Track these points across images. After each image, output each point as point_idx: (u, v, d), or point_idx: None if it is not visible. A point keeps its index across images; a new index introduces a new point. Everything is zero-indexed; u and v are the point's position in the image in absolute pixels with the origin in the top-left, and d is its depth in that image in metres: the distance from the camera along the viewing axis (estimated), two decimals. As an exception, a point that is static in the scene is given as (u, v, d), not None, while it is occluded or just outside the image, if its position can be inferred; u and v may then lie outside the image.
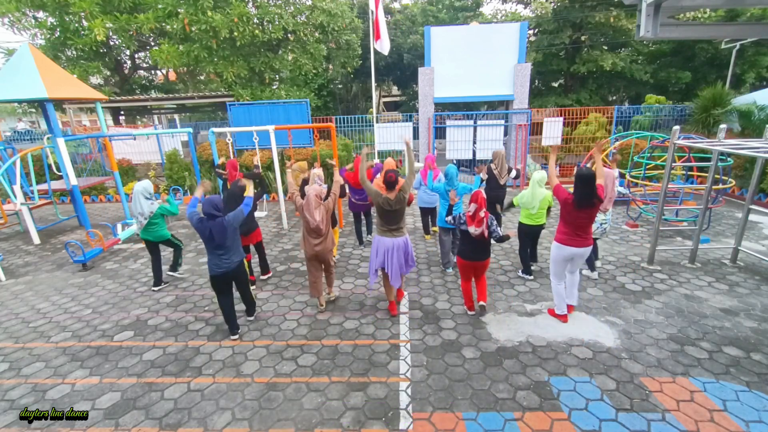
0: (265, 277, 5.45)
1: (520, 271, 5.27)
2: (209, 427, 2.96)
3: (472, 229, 3.85)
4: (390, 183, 3.99)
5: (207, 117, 21.72)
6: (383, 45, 8.63)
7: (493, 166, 6.00)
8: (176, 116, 21.26)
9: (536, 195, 4.78)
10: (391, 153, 11.52)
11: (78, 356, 3.89)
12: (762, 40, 13.60)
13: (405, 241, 4.16)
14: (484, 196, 3.93)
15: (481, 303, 4.27)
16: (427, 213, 6.61)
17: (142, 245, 7.00)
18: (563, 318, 4.14)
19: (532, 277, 5.13)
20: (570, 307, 4.22)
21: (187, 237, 7.29)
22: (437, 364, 3.55)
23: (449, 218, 4.31)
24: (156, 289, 5.26)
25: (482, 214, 3.85)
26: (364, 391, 3.25)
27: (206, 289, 5.20)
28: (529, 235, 5.11)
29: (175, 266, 5.61)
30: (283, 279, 5.44)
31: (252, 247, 5.32)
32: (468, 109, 15.97)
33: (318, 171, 5.44)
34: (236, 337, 4.05)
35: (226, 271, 3.85)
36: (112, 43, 13.28)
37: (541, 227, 5.01)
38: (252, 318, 4.40)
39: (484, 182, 6.07)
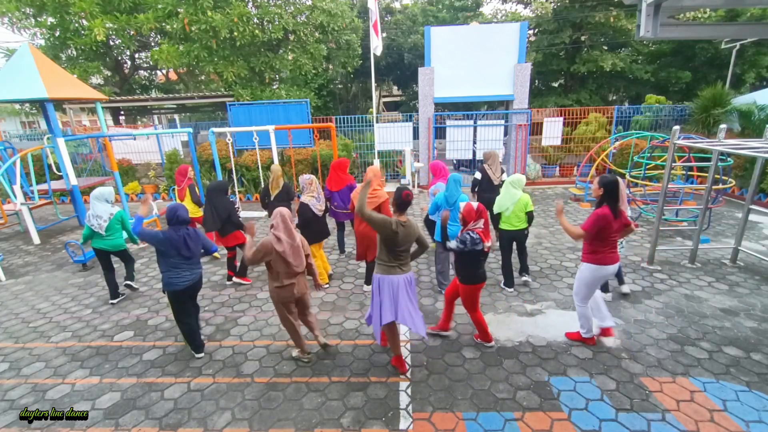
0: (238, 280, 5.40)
1: (501, 283, 4.93)
2: (209, 427, 2.96)
3: (488, 244, 3.43)
4: (405, 203, 3.30)
5: (207, 117, 21.72)
6: (376, 46, 8.77)
7: (486, 166, 5.73)
8: (176, 116, 21.28)
9: (508, 196, 4.57)
10: (391, 153, 11.54)
11: (78, 356, 3.89)
12: (762, 40, 13.59)
13: (413, 275, 3.44)
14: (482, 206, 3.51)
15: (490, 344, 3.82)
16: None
17: (142, 245, 7.01)
18: (592, 341, 3.74)
19: (512, 290, 4.82)
20: (609, 330, 3.82)
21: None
22: (437, 364, 3.54)
23: (453, 243, 3.41)
24: (115, 301, 4.95)
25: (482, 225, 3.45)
26: (364, 391, 3.25)
27: (206, 289, 5.18)
28: (510, 241, 4.76)
29: (131, 276, 5.31)
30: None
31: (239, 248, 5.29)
32: (468, 109, 15.95)
33: (309, 177, 4.93)
34: (202, 355, 3.80)
35: (192, 282, 3.63)
36: (112, 43, 13.28)
37: (521, 233, 4.69)
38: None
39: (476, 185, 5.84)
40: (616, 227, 3.40)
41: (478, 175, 5.85)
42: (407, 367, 3.52)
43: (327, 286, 5.13)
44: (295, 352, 3.71)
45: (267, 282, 5.23)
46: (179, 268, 3.55)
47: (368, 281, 5.03)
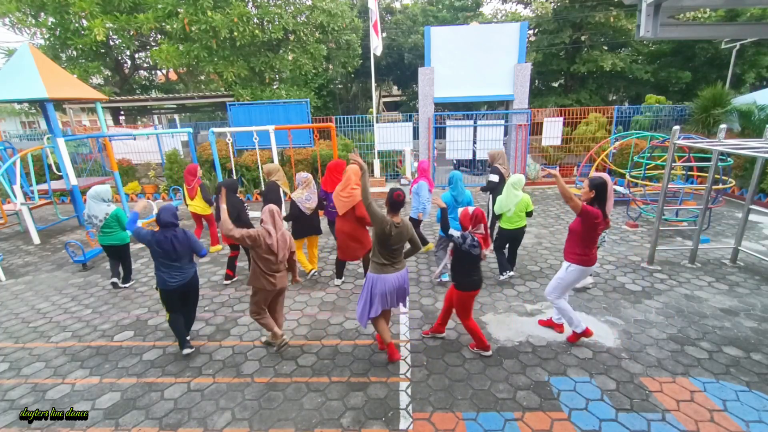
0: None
1: (502, 275, 5.02)
2: (209, 427, 2.96)
3: (486, 252, 3.41)
4: (397, 203, 3.30)
5: (207, 117, 21.74)
6: (376, 46, 8.80)
7: (498, 165, 5.61)
8: (176, 116, 21.28)
9: (511, 198, 4.64)
10: (391, 153, 11.54)
11: (78, 356, 3.89)
12: (762, 40, 13.60)
13: (407, 270, 3.55)
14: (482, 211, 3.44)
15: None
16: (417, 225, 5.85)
17: (143, 245, 7.01)
18: (589, 333, 3.72)
19: (513, 272, 5.09)
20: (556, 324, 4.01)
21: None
22: (437, 364, 3.54)
23: (456, 232, 3.39)
24: (126, 285, 5.34)
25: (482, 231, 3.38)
26: (364, 391, 3.25)
27: (206, 289, 5.19)
28: (510, 239, 4.94)
29: (127, 277, 5.44)
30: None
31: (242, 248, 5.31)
32: (468, 109, 15.96)
33: (306, 176, 5.03)
34: (191, 351, 3.80)
35: (184, 281, 3.68)
36: (112, 43, 13.29)
37: (521, 230, 4.86)
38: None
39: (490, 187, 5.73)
40: (601, 228, 3.53)
41: (495, 178, 5.55)
42: (399, 354, 3.65)
43: (311, 274, 5.34)
44: (264, 338, 3.96)
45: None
46: (169, 269, 3.64)
47: (339, 275, 5.32)
